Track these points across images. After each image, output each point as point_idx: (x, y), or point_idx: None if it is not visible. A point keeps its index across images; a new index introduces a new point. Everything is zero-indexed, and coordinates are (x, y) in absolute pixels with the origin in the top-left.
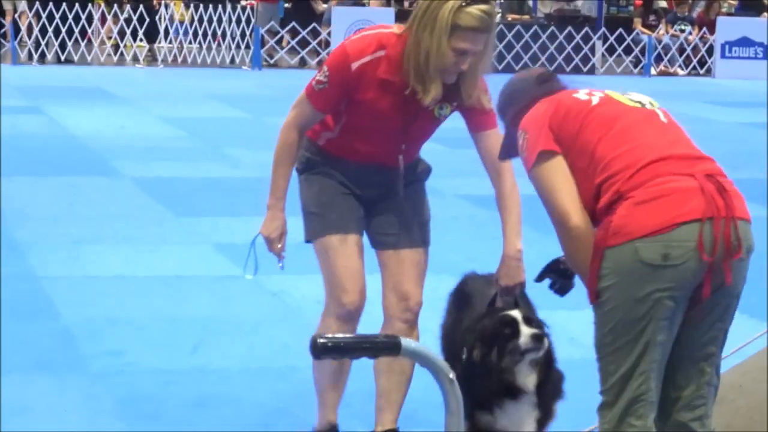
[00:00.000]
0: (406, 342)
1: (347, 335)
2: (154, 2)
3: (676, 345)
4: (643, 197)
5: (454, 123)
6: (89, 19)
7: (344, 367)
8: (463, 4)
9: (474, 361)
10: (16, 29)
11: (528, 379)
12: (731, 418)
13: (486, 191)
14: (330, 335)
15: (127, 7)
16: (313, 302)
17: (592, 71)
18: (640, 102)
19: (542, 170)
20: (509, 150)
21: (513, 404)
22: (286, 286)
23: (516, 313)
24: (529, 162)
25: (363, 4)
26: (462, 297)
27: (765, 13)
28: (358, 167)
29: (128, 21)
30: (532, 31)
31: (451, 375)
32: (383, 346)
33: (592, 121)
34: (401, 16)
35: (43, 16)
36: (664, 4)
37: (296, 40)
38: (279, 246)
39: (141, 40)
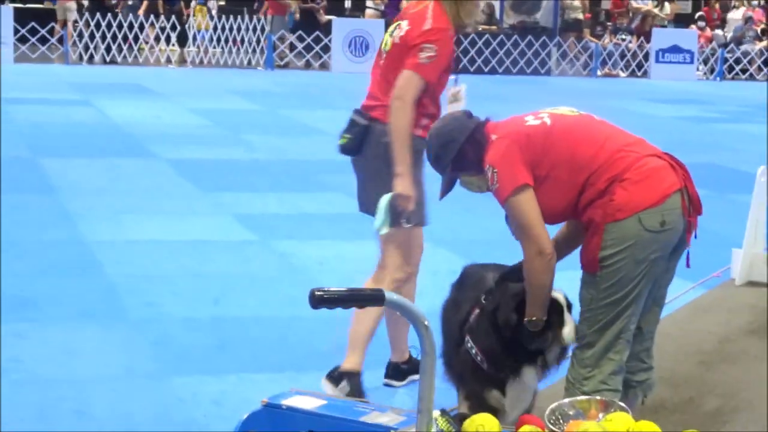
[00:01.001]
0: (389, 294)
1: (340, 288)
2: (184, 13)
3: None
4: (636, 178)
5: None
6: (130, 26)
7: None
8: None
9: (507, 338)
10: (69, 34)
11: (551, 356)
12: (661, 361)
13: None
14: (325, 288)
15: (162, 16)
16: (315, 263)
17: (548, 73)
18: (574, 111)
19: (519, 203)
20: (447, 189)
21: (520, 382)
22: (293, 249)
23: (561, 298)
24: (503, 194)
25: (358, 16)
26: (463, 285)
27: (693, 26)
28: None
29: (162, 29)
30: (498, 39)
31: (426, 322)
32: (370, 298)
33: (555, 139)
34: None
35: (92, 24)
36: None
37: (303, 45)
38: (410, 204)
39: (173, 44)
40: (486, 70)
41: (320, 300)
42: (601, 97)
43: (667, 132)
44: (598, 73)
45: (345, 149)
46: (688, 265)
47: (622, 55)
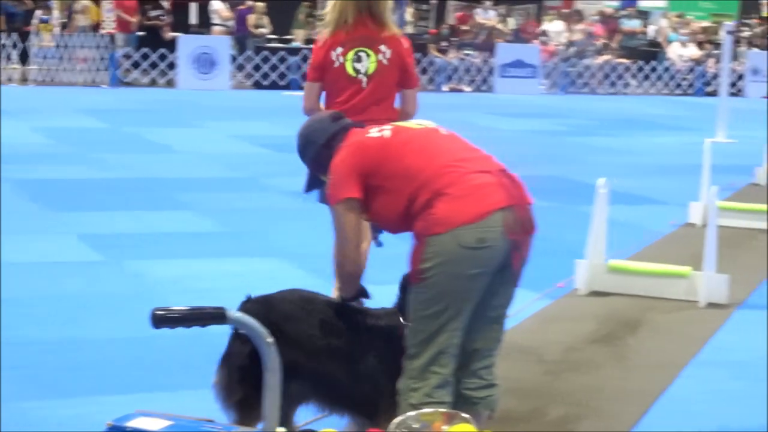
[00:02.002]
0: (231, 312)
1: (181, 307)
2: (26, 30)
3: (478, 307)
4: (457, 193)
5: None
6: None
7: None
8: None
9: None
10: None
11: None
12: (508, 371)
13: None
14: (165, 308)
15: (2, 34)
16: (168, 282)
17: None
18: (421, 124)
19: (340, 214)
20: (311, 185)
21: None
22: (145, 268)
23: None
24: (331, 200)
25: (203, 33)
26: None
27: (535, 41)
28: None
29: (3, 46)
30: None
31: (269, 339)
32: (211, 316)
33: (392, 150)
34: (239, 42)
35: None
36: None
37: (147, 62)
38: None
39: (15, 62)
40: None
41: (161, 320)
42: (446, 111)
43: (511, 145)
44: (444, 87)
45: None
46: (515, 269)
47: (467, 70)
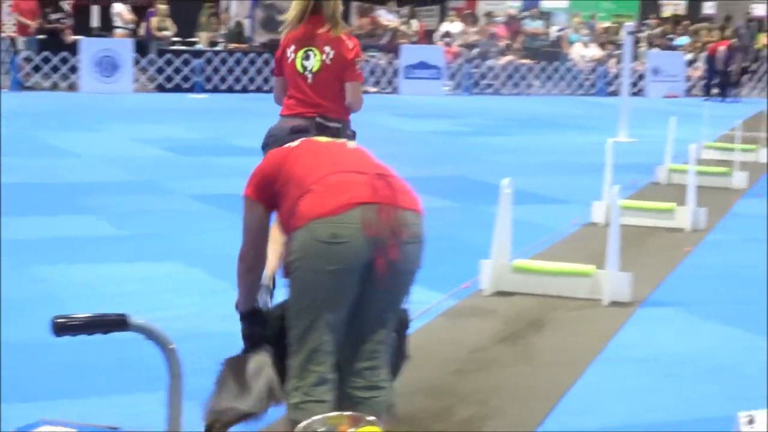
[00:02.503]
0: (133, 319)
1: (82, 315)
2: None
3: (358, 309)
4: (319, 190)
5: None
6: None
7: None
8: None
9: None
10: None
11: None
12: (415, 371)
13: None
14: (66, 315)
15: None
16: (73, 287)
17: None
18: (333, 140)
19: (247, 212)
20: None
21: None
22: (49, 273)
23: None
24: (244, 191)
25: (106, 36)
26: None
27: (439, 42)
28: None
29: None
30: (250, 57)
31: (172, 345)
32: (113, 323)
33: (291, 158)
34: (140, 49)
35: None
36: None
37: (49, 66)
38: None
39: None
40: (237, 88)
41: (62, 328)
42: (351, 113)
43: (416, 145)
44: None
45: None
46: (379, 269)
47: (372, 72)
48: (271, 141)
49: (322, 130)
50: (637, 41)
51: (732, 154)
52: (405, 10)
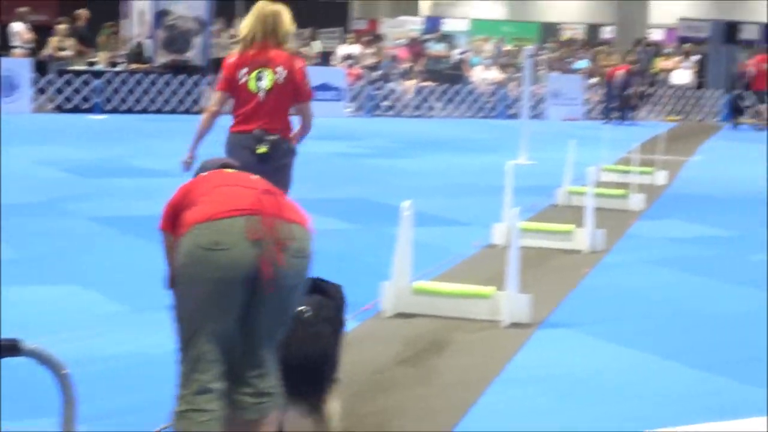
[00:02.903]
0: (25, 344)
1: None
2: None
3: (247, 318)
4: (205, 200)
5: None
6: None
7: None
8: None
9: None
10: None
11: None
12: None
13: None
14: None
15: None
16: None
17: (201, 111)
18: (240, 172)
19: (163, 243)
20: None
21: None
22: None
23: None
24: (159, 224)
25: (3, 55)
26: None
27: (341, 64)
28: None
29: None
30: (151, 77)
31: (65, 370)
32: (3, 348)
33: (196, 186)
34: (39, 68)
35: None
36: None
37: None
38: None
39: None
40: (138, 108)
41: None
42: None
43: (318, 167)
44: None
45: (264, 156)
46: (265, 277)
47: None
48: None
49: (260, 141)
50: (536, 64)
51: (629, 177)
52: (306, 32)
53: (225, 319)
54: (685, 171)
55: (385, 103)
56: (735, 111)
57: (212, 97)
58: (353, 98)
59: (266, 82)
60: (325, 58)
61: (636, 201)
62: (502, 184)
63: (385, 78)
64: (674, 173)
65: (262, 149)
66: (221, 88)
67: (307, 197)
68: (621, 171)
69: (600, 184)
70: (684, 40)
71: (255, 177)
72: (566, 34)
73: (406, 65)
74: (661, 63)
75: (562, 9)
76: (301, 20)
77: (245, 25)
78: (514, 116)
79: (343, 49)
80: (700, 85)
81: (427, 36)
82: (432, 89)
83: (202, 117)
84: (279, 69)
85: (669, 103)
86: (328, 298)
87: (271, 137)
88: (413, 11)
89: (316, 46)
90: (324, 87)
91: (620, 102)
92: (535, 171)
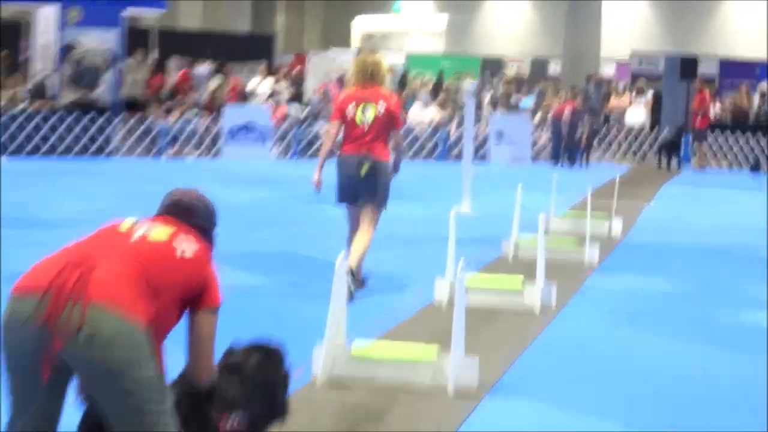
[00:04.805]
0: None
1: None
2: None
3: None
4: (48, 257)
5: None
6: None
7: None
8: None
9: None
10: None
11: None
12: None
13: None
14: None
15: None
16: None
17: (112, 154)
18: (133, 227)
19: None
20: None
21: None
22: None
23: None
24: None
25: None
26: None
27: (265, 102)
28: None
29: None
30: (57, 116)
31: None
32: None
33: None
34: None
35: None
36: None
37: None
38: None
39: None
40: (44, 149)
41: None
42: (169, 180)
43: (240, 217)
44: (167, 153)
45: (366, 173)
46: (48, 360)
47: (192, 134)
48: (337, 181)
49: (364, 163)
50: (479, 103)
51: (582, 225)
52: (237, 68)
53: (26, 395)
54: (642, 218)
55: (316, 145)
56: (666, 154)
57: (329, 125)
58: (280, 139)
59: (370, 114)
60: (245, 95)
61: (590, 252)
62: (444, 234)
63: (315, 117)
64: (630, 221)
65: (365, 169)
66: (336, 118)
67: (228, 250)
68: (574, 219)
69: (551, 234)
70: (637, 75)
71: (135, 241)
72: (510, 69)
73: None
74: (613, 101)
75: (505, 42)
76: (223, 54)
77: (352, 70)
78: (456, 159)
79: (265, 85)
80: (655, 124)
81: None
82: None
83: (324, 141)
84: (380, 102)
85: (623, 145)
86: (268, 359)
87: (373, 159)
88: (345, 43)
89: (237, 82)
90: (247, 127)
91: (570, 143)
92: (480, 220)
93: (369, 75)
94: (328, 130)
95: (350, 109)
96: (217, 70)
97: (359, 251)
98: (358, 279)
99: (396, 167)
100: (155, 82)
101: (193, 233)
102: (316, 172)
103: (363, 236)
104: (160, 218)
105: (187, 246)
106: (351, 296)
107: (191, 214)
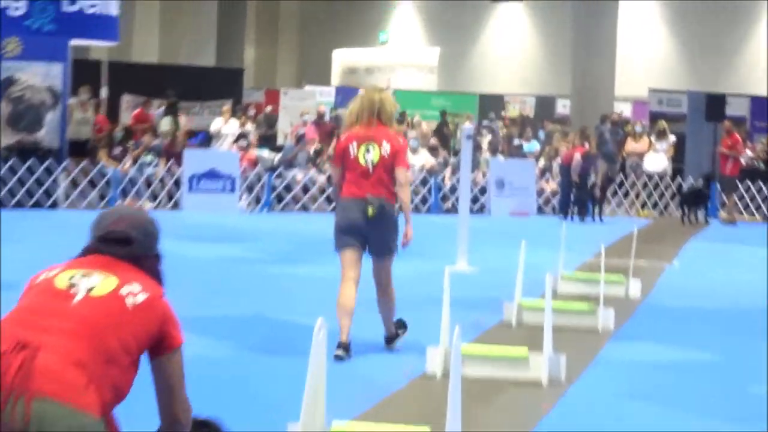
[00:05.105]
0: None
1: None
2: None
3: None
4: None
5: None
6: None
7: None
8: None
9: None
10: None
11: None
12: None
13: None
14: None
15: None
16: None
17: (55, 205)
18: (71, 282)
19: None
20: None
21: None
22: None
23: None
24: None
25: None
26: None
27: (233, 146)
28: None
29: None
30: None
31: None
32: None
33: (31, 287)
34: None
35: None
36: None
37: None
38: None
39: None
40: None
41: None
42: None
43: (205, 277)
44: (118, 204)
45: (373, 216)
46: None
47: (148, 183)
48: (336, 228)
49: (368, 205)
50: (477, 146)
51: (595, 287)
52: (197, 107)
53: None
54: (664, 279)
55: (289, 195)
56: (689, 204)
57: (332, 172)
58: (248, 189)
59: (373, 155)
60: (208, 138)
61: (605, 317)
62: (438, 296)
63: (288, 163)
64: (650, 282)
65: (371, 212)
66: (336, 164)
67: (191, 314)
68: (585, 280)
69: (559, 297)
70: (657, 115)
71: (74, 305)
72: (513, 109)
73: (314, 147)
74: (629, 144)
75: (505, 78)
76: (188, 91)
77: (353, 107)
78: (450, 211)
79: (232, 127)
80: (678, 172)
81: (342, 110)
82: None
83: (334, 187)
84: (384, 143)
85: (641, 195)
86: None
87: (378, 201)
88: (323, 79)
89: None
90: (211, 175)
91: (581, 193)
92: (478, 280)
93: (375, 113)
94: (334, 181)
95: (352, 149)
96: (169, 110)
97: (389, 317)
98: (392, 333)
99: (405, 211)
100: (106, 122)
101: (137, 273)
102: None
103: (386, 303)
104: (95, 260)
105: (136, 292)
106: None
107: (128, 245)
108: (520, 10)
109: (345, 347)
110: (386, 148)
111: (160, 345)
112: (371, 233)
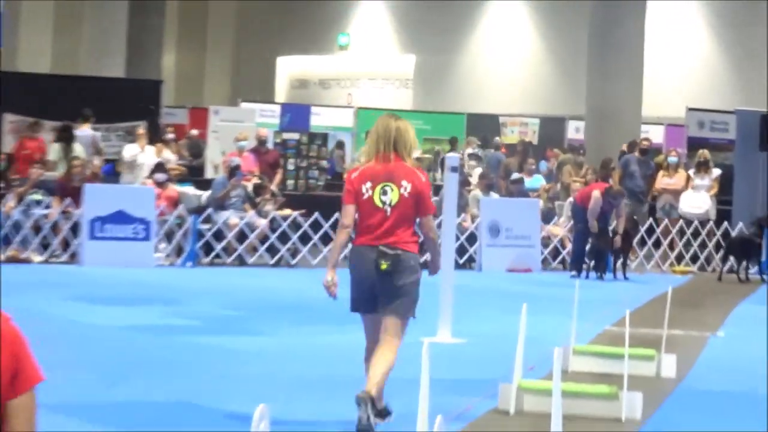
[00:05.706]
0: None
1: None
2: None
3: None
4: None
5: None
6: None
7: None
8: None
9: None
10: None
11: None
12: None
13: None
14: None
15: None
16: None
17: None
18: None
19: None
20: None
21: None
22: None
23: None
24: None
25: None
26: None
27: (147, 181)
28: None
29: None
30: None
31: None
32: None
33: None
34: None
35: None
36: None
37: None
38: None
39: None
40: None
41: None
42: (3, 294)
43: (111, 351)
44: (1, 255)
45: (386, 271)
46: None
47: (37, 228)
48: (351, 283)
49: (383, 257)
50: (464, 181)
51: (617, 364)
52: (101, 130)
53: None
54: (706, 354)
55: (221, 245)
56: (738, 256)
57: (343, 211)
58: (167, 236)
59: (391, 196)
60: (111, 171)
61: (630, 404)
62: (415, 374)
63: (220, 202)
64: (689, 358)
65: (386, 264)
66: (349, 202)
67: (94, 400)
68: (604, 355)
69: (571, 377)
70: (696, 143)
71: None
72: (511, 134)
73: (254, 181)
74: (661, 180)
75: (501, 94)
76: (97, 109)
77: (369, 139)
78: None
79: (147, 156)
80: (724, 215)
81: (288, 135)
82: (297, 221)
83: (338, 232)
84: (404, 183)
85: (677, 245)
86: None
87: (395, 252)
88: (266, 95)
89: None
90: (121, 217)
91: (600, 242)
92: (467, 354)
93: (391, 144)
94: (341, 219)
95: (366, 189)
96: (62, 135)
97: (379, 374)
98: (378, 409)
99: (434, 267)
100: None
101: None
102: (328, 272)
103: (384, 354)
104: None
105: None
106: None
107: None
108: (519, 9)
109: (382, 412)
110: (406, 187)
111: (11, 386)
112: (385, 288)
